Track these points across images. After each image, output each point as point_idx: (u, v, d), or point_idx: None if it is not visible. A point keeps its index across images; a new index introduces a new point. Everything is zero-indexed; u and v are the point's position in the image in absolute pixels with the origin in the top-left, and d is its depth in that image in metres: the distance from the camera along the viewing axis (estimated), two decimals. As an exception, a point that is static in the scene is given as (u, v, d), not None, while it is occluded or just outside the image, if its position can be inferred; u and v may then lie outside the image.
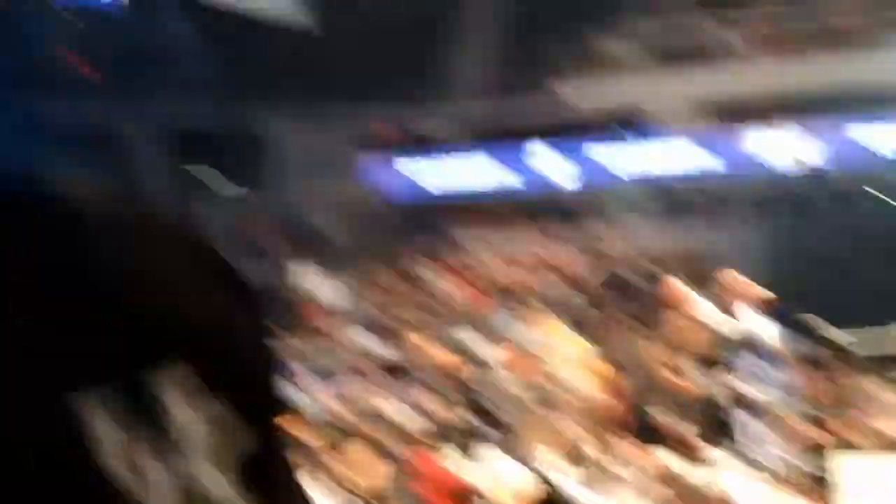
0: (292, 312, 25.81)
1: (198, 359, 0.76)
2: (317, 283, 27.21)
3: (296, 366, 19.24)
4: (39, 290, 0.72)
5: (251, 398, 0.80)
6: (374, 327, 23.90)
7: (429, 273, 26.52)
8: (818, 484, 10.19)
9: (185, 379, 0.75)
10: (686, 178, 27.25)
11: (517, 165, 29.80)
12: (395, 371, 19.77)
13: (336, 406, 15.20)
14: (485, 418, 12.51)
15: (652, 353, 12.36)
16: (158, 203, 0.83)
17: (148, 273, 0.77)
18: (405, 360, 19.97)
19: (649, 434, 11.15)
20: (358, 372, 20.02)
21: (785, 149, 26.26)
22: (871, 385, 11.97)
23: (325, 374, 19.15)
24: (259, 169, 30.12)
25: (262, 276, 27.95)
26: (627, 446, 10.45)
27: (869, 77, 24.26)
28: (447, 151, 30.70)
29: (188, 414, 0.75)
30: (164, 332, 0.76)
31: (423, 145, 31.08)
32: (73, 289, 0.73)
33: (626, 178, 28.15)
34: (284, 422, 0.83)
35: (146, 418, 0.73)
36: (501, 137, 29.79)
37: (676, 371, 11.76)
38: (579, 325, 15.56)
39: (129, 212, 0.80)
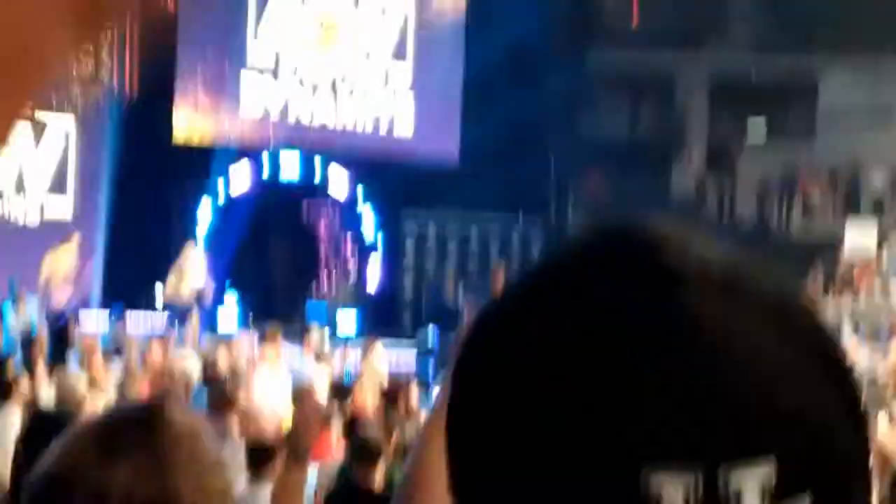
0: (839, 273, 25.19)
1: (787, 455, 0.67)
2: (867, 245, 26.24)
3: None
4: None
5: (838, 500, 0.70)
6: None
7: None
8: None
9: (768, 478, 0.67)
10: None
11: None
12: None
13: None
14: None
15: None
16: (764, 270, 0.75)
17: (751, 351, 0.69)
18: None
19: None
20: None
21: None
22: None
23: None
24: (811, 122, 29.41)
25: (811, 233, 27.43)
26: None
27: None
28: None
29: None
30: (756, 420, 0.68)
31: None
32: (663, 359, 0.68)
33: None
34: None
35: None
36: None
37: None
38: None
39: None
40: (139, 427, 1.55)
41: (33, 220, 20.90)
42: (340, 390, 11.35)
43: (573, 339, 0.69)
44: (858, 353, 14.77)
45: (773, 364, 0.69)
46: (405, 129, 24.10)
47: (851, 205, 28.78)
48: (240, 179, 22.46)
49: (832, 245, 25.59)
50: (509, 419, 0.69)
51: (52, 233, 19.05)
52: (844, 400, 0.71)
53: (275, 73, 22.74)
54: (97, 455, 1.51)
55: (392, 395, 10.04)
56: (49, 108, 19.59)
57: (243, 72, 22.49)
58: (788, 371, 0.69)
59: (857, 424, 0.72)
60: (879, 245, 25.64)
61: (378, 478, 5.67)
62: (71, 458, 1.54)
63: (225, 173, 22.30)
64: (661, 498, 0.65)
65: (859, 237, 25.79)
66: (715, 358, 0.68)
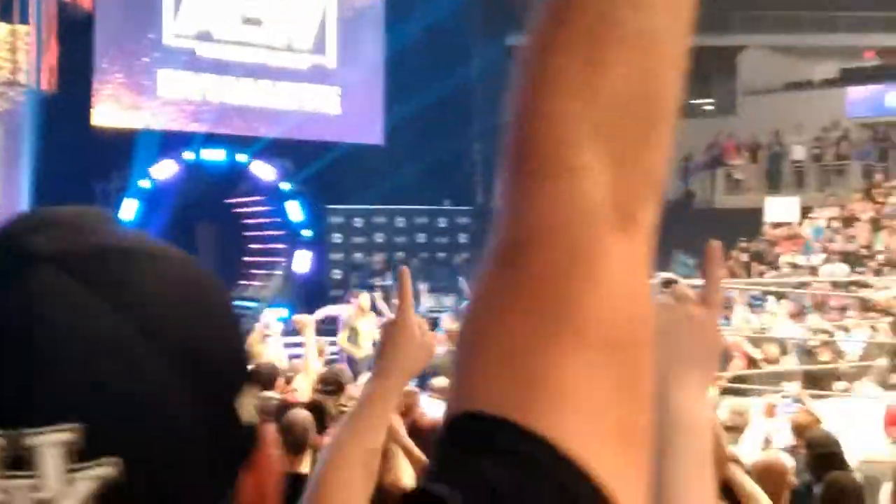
0: (762, 238, 25.56)
1: (94, 422, 0.72)
2: (789, 217, 26.61)
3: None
4: None
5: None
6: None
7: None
8: None
9: (72, 442, 0.71)
10: None
11: None
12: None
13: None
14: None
15: None
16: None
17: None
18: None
19: None
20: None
21: None
22: None
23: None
24: (731, 97, 29.73)
25: (734, 205, 27.75)
26: None
27: None
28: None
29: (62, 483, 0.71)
30: (64, 390, 0.72)
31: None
32: None
33: None
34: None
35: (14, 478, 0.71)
36: None
37: None
38: None
39: None
40: None
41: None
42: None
43: None
44: (784, 324, 14.98)
45: (97, 342, 0.73)
46: (329, 114, 24.13)
47: (773, 178, 29.21)
48: (162, 167, 22.28)
49: (755, 217, 25.95)
50: None
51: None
52: (192, 387, 0.75)
53: (194, 62, 22.62)
54: None
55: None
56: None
57: (162, 61, 22.35)
58: (114, 349, 0.73)
59: (209, 409, 0.76)
60: (801, 217, 26.04)
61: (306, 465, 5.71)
62: None
63: (147, 162, 22.12)
64: None
65: (781, 209, 26.16)
66: (39, 335, 0.72)
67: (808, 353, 11.86)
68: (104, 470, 0.71)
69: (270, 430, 5.01)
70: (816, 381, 10.96)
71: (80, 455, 0.71)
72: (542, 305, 0.68)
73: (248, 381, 0.80)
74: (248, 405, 0.79)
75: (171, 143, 22.18)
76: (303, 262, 23.48)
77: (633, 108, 0.71)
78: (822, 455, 5.49)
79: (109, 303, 0.74)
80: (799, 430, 6.22)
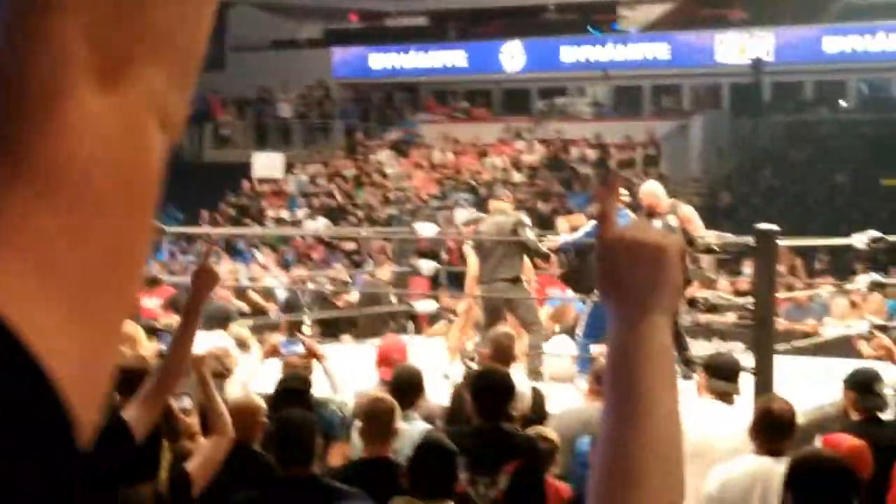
0: (249, 193, 26.05)
1: None
2: (273, 172, 27.20)
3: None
4: None
5: None
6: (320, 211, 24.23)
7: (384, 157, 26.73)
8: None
9: None
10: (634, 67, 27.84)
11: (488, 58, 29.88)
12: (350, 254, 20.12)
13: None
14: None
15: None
16: None
17: None
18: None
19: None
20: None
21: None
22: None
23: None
24: (220, 53, 29.99)
25: (223, 159, 28.05)
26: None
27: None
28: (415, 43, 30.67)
29: None
30: None
31: (392, 37, 31.18)
32: None
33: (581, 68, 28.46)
34: None
35: None
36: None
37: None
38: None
39: None
40: None
41: None
42: None
43: None
44: (266, 275, 15.47)
45: None
46: None
47: (259, 134, 29.81)
48: None
49: (242, 172, 26.38)
50: None
51: None
52: None
53: None
54: None
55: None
56: None
57: None
58: None
59: None
60: (286, 173, 26.75)
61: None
62: None
63: None
64: None
65: (267, 165, 26.76)
66: None
67: (324, 300, 12.37)
68: None
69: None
70: (329, 327, 11.56)
71: None
72: None
73: None
74: None
75: None
76: None
77: None
78: (286, 391, 5.86)
79: None
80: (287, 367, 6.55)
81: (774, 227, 7.37)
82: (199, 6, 0.70)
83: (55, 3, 0.65)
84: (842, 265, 17.99)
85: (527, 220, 9.52)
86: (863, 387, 5.81)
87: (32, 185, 0.64)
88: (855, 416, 5.80)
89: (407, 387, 5.94)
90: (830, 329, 11.45)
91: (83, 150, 0.65)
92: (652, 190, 9.10)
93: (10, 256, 0.63)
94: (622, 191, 9.16)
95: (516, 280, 9.12)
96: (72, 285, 0.64)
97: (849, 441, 4.94)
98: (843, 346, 10.26)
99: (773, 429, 4.86)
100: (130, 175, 0.67)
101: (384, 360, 7.04)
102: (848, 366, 6.88)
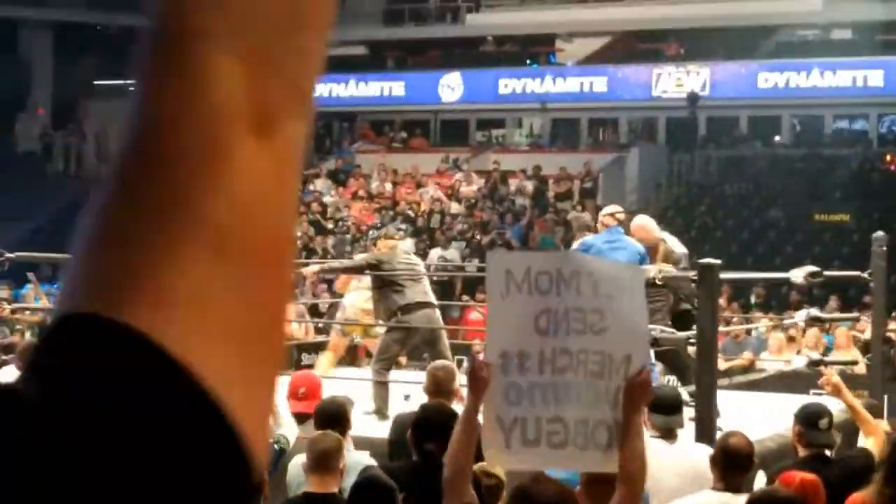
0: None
1: None
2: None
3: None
4: None
5: None
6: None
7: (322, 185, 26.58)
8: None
9: None
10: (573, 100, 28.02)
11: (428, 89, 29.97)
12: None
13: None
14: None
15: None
16: None
17: None
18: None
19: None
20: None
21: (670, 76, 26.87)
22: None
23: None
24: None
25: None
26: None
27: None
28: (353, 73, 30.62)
29: None
30: None
31: (331, 66, 31.09)
32: None
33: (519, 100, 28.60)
34: None
35: None
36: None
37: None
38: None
39: None
40: None
41: None
42: None
43: None
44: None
45: None
46: None
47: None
48: None
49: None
50: None
51: None
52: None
53: None
54: None
55: None
56: None
57: None
58: None
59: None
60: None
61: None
62: None
63: None
64: None
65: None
66: None
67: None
68: None
69: None
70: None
71: None
72: (159, 202, 0.64)
73: None
74: None
75: None
76: None
77: (273, 12, 0.67)
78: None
79: None
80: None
81: (716, 260, 7.37)
82: (322, 46, 0.70)
83: (209, 28, 0.65)
84: (777, 299, 18.12)
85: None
86: (809, 422, 5.79)
87: (208, 244, 0.64)
88: (802, 452, 5.77)
89: (332, 420, 5.82)
90: (768, 364, 11.49)
91: (249, 206, 0.65)
92: (643, 224, 9.19)
93: (193, 316, 0.63)
94: (616, 208, 9.22)
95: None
96: (247, 342, 0.65)
97: (801, 476, 4.92)
98: (782, 381, 10.28)
99: (731, 464, 4.90)
100: (284, 229, 0.68)
101: (294, 394, 6.92)
102: (786, 401, 6.87)
